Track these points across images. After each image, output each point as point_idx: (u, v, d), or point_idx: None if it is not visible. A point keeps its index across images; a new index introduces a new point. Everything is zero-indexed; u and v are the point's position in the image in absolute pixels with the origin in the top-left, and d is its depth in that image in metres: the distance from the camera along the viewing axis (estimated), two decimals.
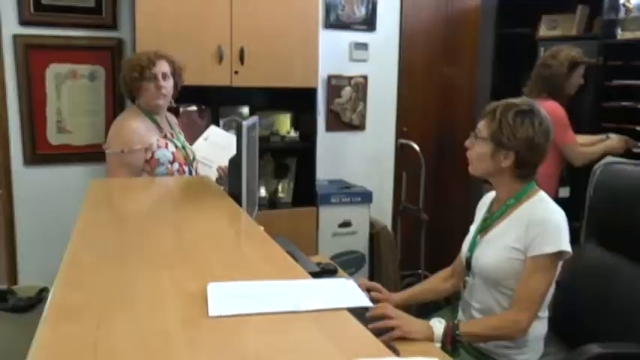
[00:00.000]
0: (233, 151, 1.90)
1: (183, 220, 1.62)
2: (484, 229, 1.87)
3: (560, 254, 1.69)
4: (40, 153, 3.21)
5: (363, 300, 1.10)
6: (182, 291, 1.05)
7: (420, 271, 3.98)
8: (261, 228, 1.53)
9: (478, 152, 1.79)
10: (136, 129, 2.40)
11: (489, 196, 1.96)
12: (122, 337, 0.87)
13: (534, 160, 1.77)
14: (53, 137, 3.23)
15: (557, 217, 1.71)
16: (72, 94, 3.23)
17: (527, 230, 1.70)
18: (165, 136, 2.49)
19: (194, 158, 2.57)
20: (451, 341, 1.65)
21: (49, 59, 3.17)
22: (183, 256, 1.27)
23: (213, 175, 2.57)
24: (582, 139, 3.09)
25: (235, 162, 1.90)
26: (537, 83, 3.06)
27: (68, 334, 0.87)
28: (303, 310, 0.98)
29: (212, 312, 0.95)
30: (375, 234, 3.76)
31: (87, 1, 3.18)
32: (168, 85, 2.47)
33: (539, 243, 1.67)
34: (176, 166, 2.44)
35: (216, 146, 2.70)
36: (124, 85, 2.52)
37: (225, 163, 2.24)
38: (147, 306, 0.99)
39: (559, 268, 1.75)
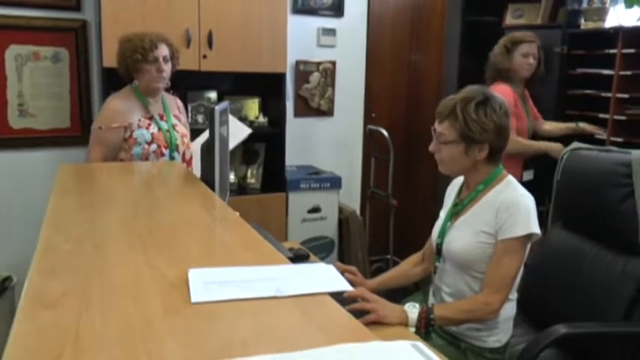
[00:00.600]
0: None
1: (157, 206, 1.59)
2: (454, 214, 1.89)
3: (529, 236, 1.72)
4: (0, 137, 3.11)
5: (343, 284, 1.11)
6: (162, 278, 1.03)
7: (388, 256, 4.03)
8: (237, 214, 1.52)
9: (449, 155, 1.79)
10: (117, 108, 2.42)
11: (458, 181, 1.99)
12: (104, 325, 0.85)
13: (504, 143, 1.80)
14: (15, 121, 3.13)
15: (526, 200, 1.75)
16: (34, 76, 3.13)
17: (497, 214, 1.74)
18: (151, 117, 2.47)
19: (175, 143, 2.53)
20: (425, 325, 1.68)
21: (9, 40, 3.06)
22: (160, 243, 1.25)
23: None
24: (550, 125, 3.20)
25: (208, 147, 1.88)
26: (490, 70, 3.15)
27: (47, 324, 0.85)
28: (286, 295, 0.99)
29: (194, 298, 0.95)
30: (344, 219, 3.78)
31: None
32: (168, 69, 2.49)
33: (510, 226, 1.71)
34: (154, 147, 2.43)
35: None
36: (123, 66, 2.49)
37: (230, 147, 2.29)
38: (127, 293, 0.97)
39: (528, 250, 1.79)
